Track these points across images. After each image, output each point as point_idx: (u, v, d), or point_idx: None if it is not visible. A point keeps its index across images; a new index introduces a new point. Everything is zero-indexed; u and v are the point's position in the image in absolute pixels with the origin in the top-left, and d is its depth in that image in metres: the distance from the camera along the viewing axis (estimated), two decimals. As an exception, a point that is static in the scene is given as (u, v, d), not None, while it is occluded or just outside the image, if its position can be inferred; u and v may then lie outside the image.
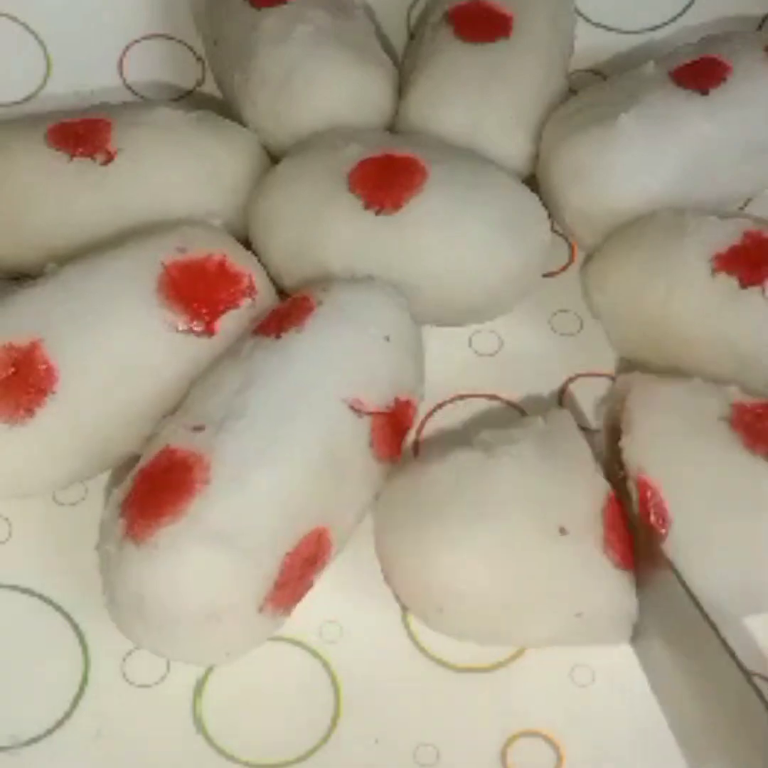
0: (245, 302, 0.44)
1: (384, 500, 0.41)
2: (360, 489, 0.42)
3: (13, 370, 0.41)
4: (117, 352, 0.42)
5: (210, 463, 0.38)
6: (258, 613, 0.38)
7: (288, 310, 0.43)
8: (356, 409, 0.41)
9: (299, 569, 0.39)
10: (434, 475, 0.40)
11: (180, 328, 0.43)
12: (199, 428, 0.39)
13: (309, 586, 0.40)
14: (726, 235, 0.45)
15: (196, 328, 0.43)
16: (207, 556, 0.37)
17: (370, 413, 0.41)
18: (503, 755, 0.40)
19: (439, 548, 0.38)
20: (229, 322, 0.44)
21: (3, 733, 0.40)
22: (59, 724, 0.40)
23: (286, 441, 0.39)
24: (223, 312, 0.43)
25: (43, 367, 0.41)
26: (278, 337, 0.42)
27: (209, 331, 0.43)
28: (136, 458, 0.41)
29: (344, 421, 0.40)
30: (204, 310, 0.43)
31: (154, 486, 0.38)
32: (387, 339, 0.42)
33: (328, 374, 0.41)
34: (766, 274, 0.44)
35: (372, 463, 0.42)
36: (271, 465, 0.38)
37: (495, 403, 0.48)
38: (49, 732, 0.40)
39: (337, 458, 0.40)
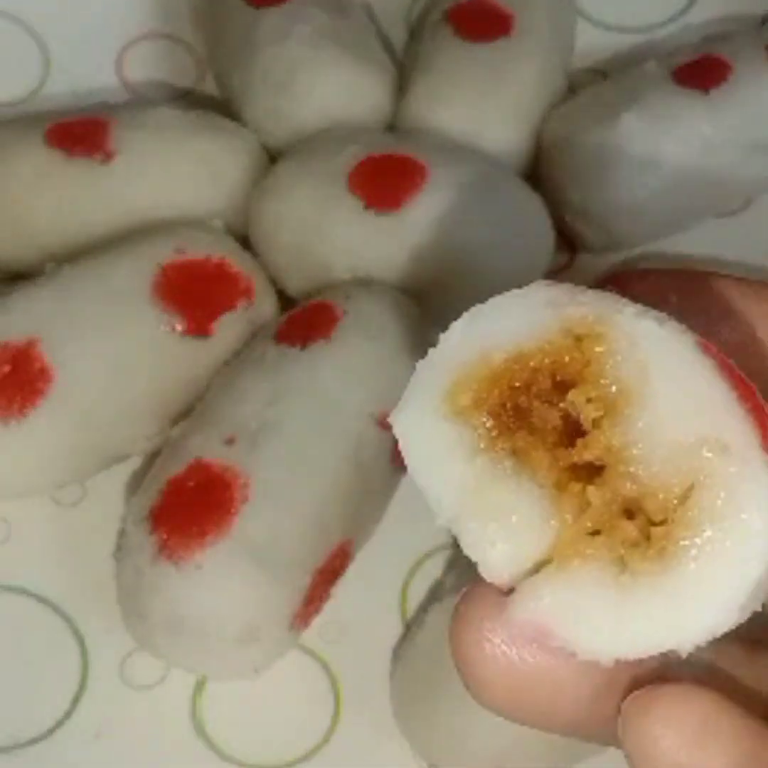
0: (244, 304, 0.44)
1: (397, 691, 0.40)
2: (380, 501, 0.42)
3: (9, 368, 0.41)
4: (113, 352, 0.42)
5: (248, 480, 0.38)
6: (289, 630, 0.38)
7: (311, 318, 0.43)
8: (384, 424, 0.41)
9: (324, 584, 0.39)
10: (423, 646, 0.39)
11: (176, 329, 0.42)
12: (230, 441, 0.39)
13: (328, 598, 0.40)
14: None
15: (192, 330, 0.43)
16: (250, 578, 0.37)
17: None
18: (503, 756, 0.40)
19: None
20: (228, 324, 0.43)
21: (3, 733, 0.40)
22: (59, 724, 0.40)
23: (319, 457, 0.39)
24: (220, 314, 0.43)
25: (39, 366, 0.41)
26: (304, 347, 0.42)
27: (206, 333, 0.43)
28: (148, 462, 0.41)
29: (371, 436, 0.41)
30: (201, 312, 0.43)
31: (188, 501, 0.38)
32: (409, 351, 0.43)
33: (358, 389, 0.41)
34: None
35: (389, 475, 0.42)
36: (306, 481, 0.39)
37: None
38: (50, 732, 0.40)
39: (363, 472, 0.40)
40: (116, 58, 0.55)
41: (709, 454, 0.21)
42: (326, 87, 0.50)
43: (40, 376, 0.41)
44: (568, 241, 0.52)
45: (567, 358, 0.22)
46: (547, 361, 0.23)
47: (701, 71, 0.50)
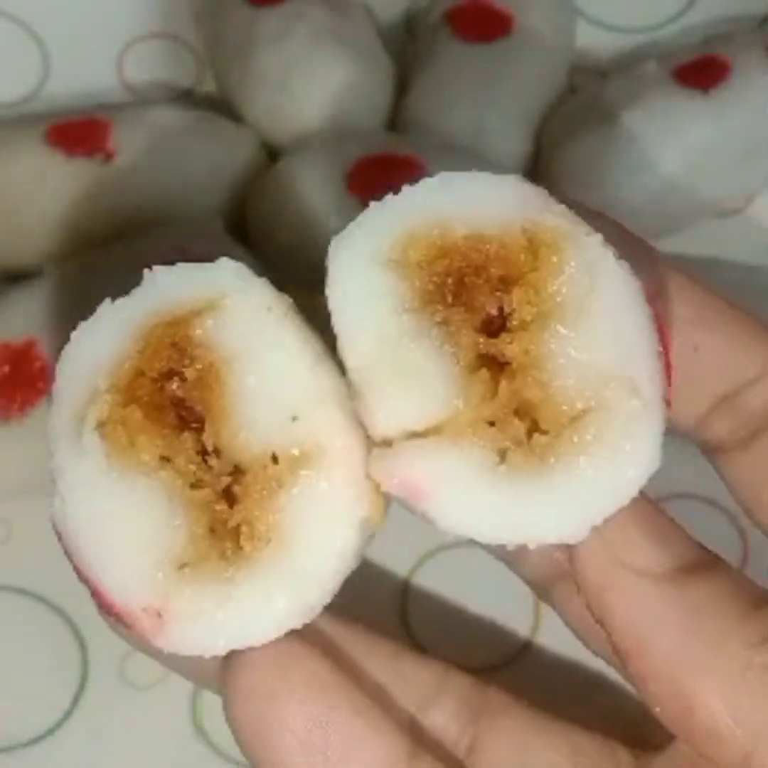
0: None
1: None
2: None
3: (8, 368, 0.41)
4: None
5: None
6: None
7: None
8: None
9: None
10: None
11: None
12: None
13: None
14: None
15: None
16: None
17: None
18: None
19: None
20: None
21: (3, 733, 0.40)
22: (59, 724, 0.40)
23: None
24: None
25: (39, 366, 0.41)
26: None
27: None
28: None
29: None
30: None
31: None
32: None
33: None
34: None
35: None
36: None
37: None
38: (50, 732, 0.40)
39: None
40: (116, 58, 0.55)
41: (618, 390, 0.23)
42: (326, 86, 0.50)
43: (40, 376, 0.41)
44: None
45: (522, 257, 0.23)
46: (502, 251, 0.23)
47: (701, 71, 0.50)
